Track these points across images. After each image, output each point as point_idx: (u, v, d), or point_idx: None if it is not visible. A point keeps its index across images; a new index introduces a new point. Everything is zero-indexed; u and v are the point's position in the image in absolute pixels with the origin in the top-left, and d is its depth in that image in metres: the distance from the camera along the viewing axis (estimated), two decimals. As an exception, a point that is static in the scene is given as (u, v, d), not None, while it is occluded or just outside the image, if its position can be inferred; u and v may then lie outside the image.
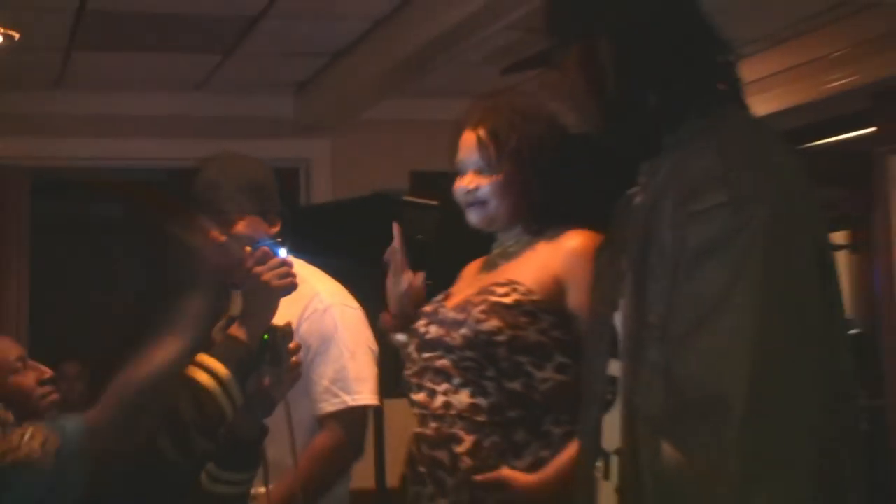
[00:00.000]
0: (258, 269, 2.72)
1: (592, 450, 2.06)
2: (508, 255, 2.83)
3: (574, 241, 2.72)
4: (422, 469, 2.71)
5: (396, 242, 2.96)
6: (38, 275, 6.11)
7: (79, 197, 7.21)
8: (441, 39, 4.56)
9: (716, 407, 1.71)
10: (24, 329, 5.87)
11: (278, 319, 3.17)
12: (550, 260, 2.73)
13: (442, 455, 2.67)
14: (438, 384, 2.72)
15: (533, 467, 2.62)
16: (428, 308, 2.87)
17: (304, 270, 3.24)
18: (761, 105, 5.36)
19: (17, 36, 4.72)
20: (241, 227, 3.16)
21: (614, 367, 1.98)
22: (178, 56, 5.53)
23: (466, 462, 2.64)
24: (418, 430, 2.76)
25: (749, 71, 6.22)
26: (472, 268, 2.98)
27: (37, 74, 5.72)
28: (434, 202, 5.00)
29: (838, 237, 7.30)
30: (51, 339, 5.92)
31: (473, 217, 2.83)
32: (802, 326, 1.75)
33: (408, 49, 4.86)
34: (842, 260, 9.58)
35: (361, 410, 3.22)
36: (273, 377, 2.52)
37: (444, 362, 2.71)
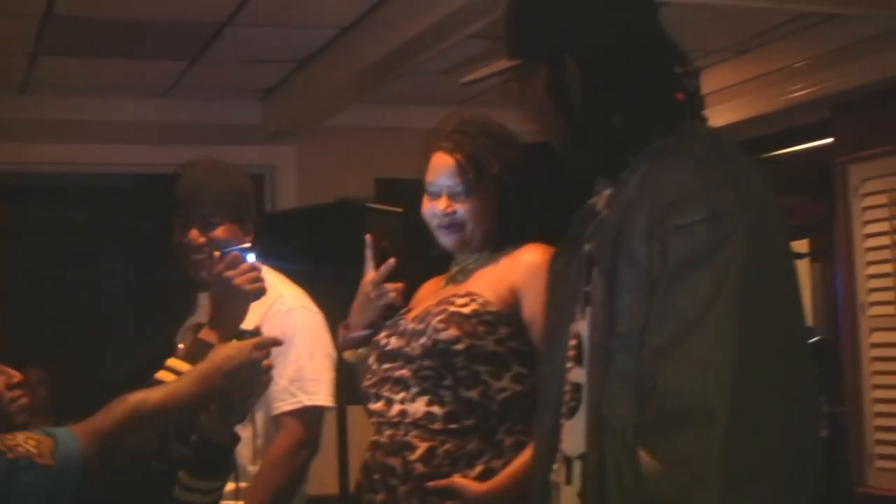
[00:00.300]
0: (229, 273, 2.76)
1: (548, 453, 2.09)
2: (468, 272, 2.87)
3: (531, 255, 2.77)
4: (375, 476, 2.74)
5: (369, 253, 2.98)
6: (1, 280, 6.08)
7: (45, 202, 7.17)
8: (406, 48, 4.57)
9: (699, 416, 1.75)
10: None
11: (245, 323, 3.23)
12: (508, 272, 2.78)
13: (395, 462, 2.70)
14: (396, 393, 2.76)
15: (484, 476, 2.65)
16: (390, 321, 2.90)
17: (268, 275, 3.28)
18: (724, 114, 5.43)
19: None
20: (220, 232, 3.25)
21: (578, 375, 2.00)
22: (145, 62, 5.51)
23: (419, 469, 2.67)
24: (374, 437, 2.79)
25: (711, 81, 6.29)
26: (431, 284, 3.02)
27: (2, 79, 5.70)
28: (399, 209, 5.01)
29: (799, 245, 7.36)
30: (13, 344, 5.89)
31: (448, 240, 2.86)
32: (778, 336, 1.82)
33: (373, 57, 4.87)
34: (803, 268, 9.67)
35: (318, 410, 3.27)
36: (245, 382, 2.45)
37: (403, 372, 2.75)
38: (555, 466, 2.08)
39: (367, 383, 2.87)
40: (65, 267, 6.42)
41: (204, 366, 2.32)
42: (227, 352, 2.35)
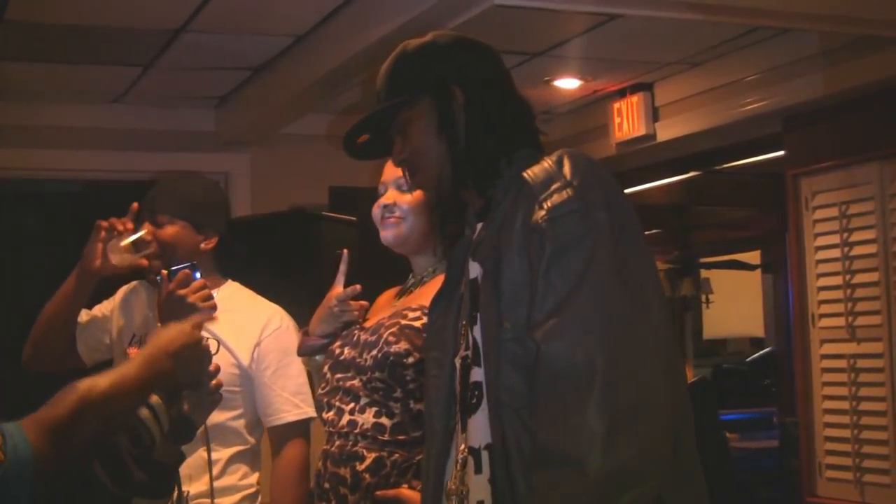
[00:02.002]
0: (182, 291, 2.75)
1: (442, 453, 2.30)
2: (421, 284, 2.90)
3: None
4: (326, 485, 2.74)
5: (343, 268, 2.98)
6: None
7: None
8: (359, 58, 4.57)
9: (582, 371, 1.98)
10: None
11: (244, 340, 3.32)
12: None
13: (345, 472, 2.71)
14: (346, 403, 2.77)
15: None
16: (345, 332, 2.92)
17: (245, 293, 3.40)
18: (677, 126, 5.46)
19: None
20: (170, 230, 3.34)
21: (477, 374, 2.20)
22: (98, 68, 5.48)
23: (367, 479, 2.68)
24: (325, 447, 2.81)
25: (665, 93, 6.32)
26: (387, 295, 3.05)
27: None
28: (352, 218, 5.01)
29: (751, 257, 7.42)
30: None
31: (388, 233, 2.90)
32: (641, 300, 2.07)
33: (328, 66, 4.86)
34: (754, 280, 9.73)
35: (311, 422, 3.39)
36: (193, 401, 2.45)
37: (353, 383, 2.76)
38: (456, 463, 2.24)
39: (320, 392, 2.89)
40: (19, 272, 6.35)
41: (148, 349, 2.31)
42: (170, 334, 2.35)
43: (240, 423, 3.33)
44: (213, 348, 2.52)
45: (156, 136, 6.26)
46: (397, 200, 2.88)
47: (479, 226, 2.29)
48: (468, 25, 3.98)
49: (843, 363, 5.04)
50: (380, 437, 2.69)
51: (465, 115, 2.27)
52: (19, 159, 6.08)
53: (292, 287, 4.07)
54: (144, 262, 3.31)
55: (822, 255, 5.16)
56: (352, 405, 2.75)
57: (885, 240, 4.84)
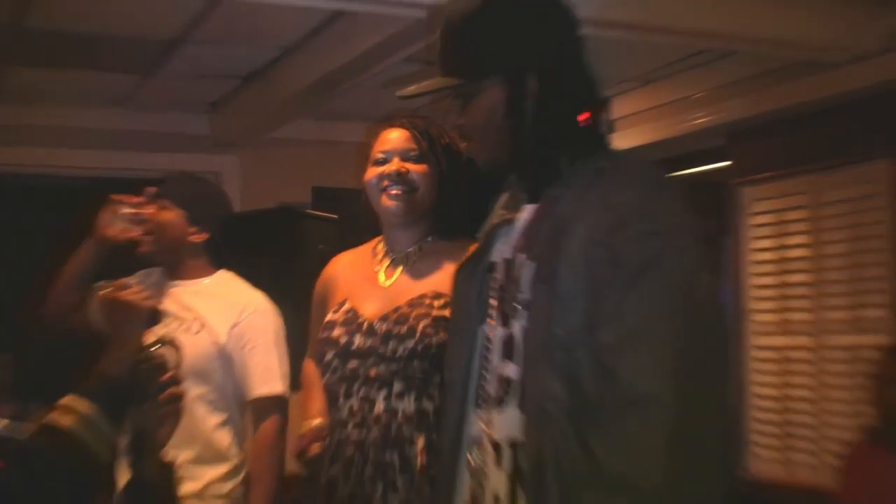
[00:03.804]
0: (122, 294, 2.60)
1: (456, 440, 2.15)
2: (408, 262, 2.75)
3: None
4: (368, 471, 2.59)
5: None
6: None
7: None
8: (344, 68, 4.55)
9: (649, 403, 1.81)
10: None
11: (224, 318, 3.32)
12: None
13: (392, 457, 2.58)
14: (377, 391, 2.61)
15: None
16: (335, 317, 2.76)
17: (232, 279, 3.43)
18: (630, 138, 5.46)
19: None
20: (168, 214, 3.43)
21: (509, 369, 2.04)
22: (102, 74, 5.43)
23: (420, 460, 2.56)
24: (354, 434, 2.64)
25: (621, 107, 6.32)
26: (353, 265, 2.86)
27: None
28: (334, 216, 5.00)
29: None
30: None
31: (397, 202, 2.70)
32: (714, 331, 1.92)
33: (313, 76, 4.84)
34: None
35: (285, 399, 3.38)
36: (141, 415, 2.07)
37: (378, 370, 2.61)
38: (474, 452, 2.11)
39: (329, 380, 2.72)
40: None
41: None
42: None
43: (217, 396, 3.33)
44: (170, 360, 2.18)
45: (154, 137, 6.22)
46: (409, 169, 2.69)
47: (528, 209, 2.08)
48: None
49: (774, 354, 5.08)
50: (426, 421, 2.57)
51: (535, 103, 2.00)
52: (31, 157, 6.05)
53: (276, 276, 4.05)
54: (137, 234, 3.40)
55: (758, 256, 5.19)
56: (384, 392, 2.60)
57: (816, 244, 4.87)
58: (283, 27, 4.66)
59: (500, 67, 2.03)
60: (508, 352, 2.04)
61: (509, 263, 2.07)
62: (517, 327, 2.02)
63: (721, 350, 1.96)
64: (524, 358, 1.99)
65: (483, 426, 2.09)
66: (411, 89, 2.13)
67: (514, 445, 2.01)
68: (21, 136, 5.94)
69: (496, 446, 2.05)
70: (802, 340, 4.94)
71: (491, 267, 2.14)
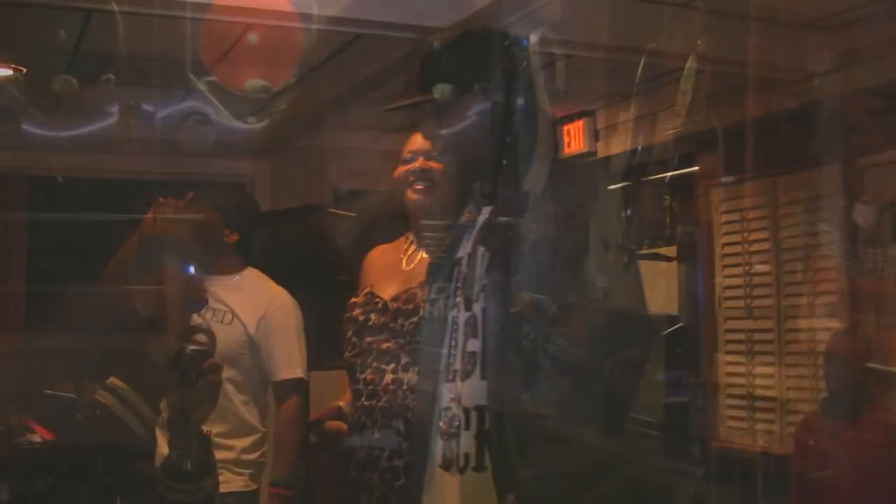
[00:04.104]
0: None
1: (430, 409, 2.22)
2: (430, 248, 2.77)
3: None
4: (376, 435, 2.64)
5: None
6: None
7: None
8: (360, 86, 4.58)
9: (581, 364, 1.94)
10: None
11: (253, 311, 3.29)
12: None
13: (398, 423, 2.62)
14: (387, 364, 2.66)
15: None
16: (357, 300, 2.80)
17: (259, 276, 3.46)
18: (613, 145, 5.49)
19: (24, 70, 4.69)
20: (205, 216, 3.40)
21: (474, 345, 2.13)
22: (149, 90, 5.46)
23: None
24: (365, 402, 2.68)
25: (605, 118, 6.25)
26: (384, 256, 2.89)
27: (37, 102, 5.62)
28: (352, 214, 5.02)
29: (669, 251, 7.41)
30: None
31: (419, 196, 2.74)
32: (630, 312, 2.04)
33: (335, 91, 4.87)
34: (670, 268, 9.76)
35: (306, 383, 3.40)
36: (182, 396, 1.98)
37: (389, 345, 2.65)
38: (445, 417, 2.18)
39: (349, 354, 2.76)
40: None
41: None
42: None
43: (244, 378, 3.37)
44: (203, 342, 2.03)
45: (195, 144, 6.24)
46: (433, 167, 2.72)
47: (486, 210, 2.19)
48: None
49: (741, 336, 5.10)
50: None
51: (501, 120, 2.12)
52: (91, 162, 6.09)
53: (301, 268, 4.08)
54: (176, 229, 3.37)
55: (727, 250, 5.23)
56: (392, 365, 2.64)
57: (776, 240, 4.90)
58: (309, 50, 4.68)
59: (475, 85, 2.15)
60: (472, 331, 2.15)
61: (471, 256, 2.18)
62: (478, 308, 2.13)
63: (634, 326, 2.06)
64: (483, 334, 2.11)
65: (452, 396, 2.17)
66: (396, 103, 2.27)
67: (479, 409, 2.10)
68: (80, 145, 5.97)
69: (466, 411, 2.14)
70: (766, 323, 4.97)
71: (458, 262, 2.23)
